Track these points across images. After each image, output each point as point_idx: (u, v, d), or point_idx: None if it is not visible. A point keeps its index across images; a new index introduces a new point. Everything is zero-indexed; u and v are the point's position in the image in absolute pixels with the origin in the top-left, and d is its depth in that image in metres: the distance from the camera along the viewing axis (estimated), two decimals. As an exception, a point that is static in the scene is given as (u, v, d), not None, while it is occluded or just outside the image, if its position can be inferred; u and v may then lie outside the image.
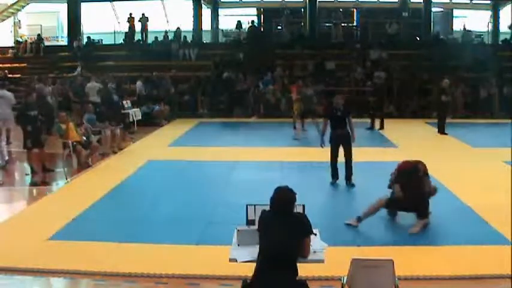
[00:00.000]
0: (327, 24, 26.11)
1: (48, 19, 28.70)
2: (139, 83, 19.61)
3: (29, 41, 24.97)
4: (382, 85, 17.38)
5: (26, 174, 10.82)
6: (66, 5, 25.30)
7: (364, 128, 16.24)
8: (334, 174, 9.62)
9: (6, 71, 21.39)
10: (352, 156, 9.44)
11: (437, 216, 7.69)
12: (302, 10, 26.76)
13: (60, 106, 17.04)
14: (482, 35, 25.60)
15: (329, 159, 9.63)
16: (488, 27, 26.39)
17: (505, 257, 5.96)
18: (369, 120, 16.63)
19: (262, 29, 27.21)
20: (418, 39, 25.35)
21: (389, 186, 7.52)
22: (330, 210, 7.88)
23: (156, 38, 24.59)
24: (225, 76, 20.84)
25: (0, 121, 12.93)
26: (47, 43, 25.46)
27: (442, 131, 15.20)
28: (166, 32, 25.26)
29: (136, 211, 8.22)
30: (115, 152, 12.84)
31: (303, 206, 4.79)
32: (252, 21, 25.90)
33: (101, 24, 27.85)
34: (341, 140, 9.40)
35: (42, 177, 10.42)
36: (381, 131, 16.02)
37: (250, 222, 4.90)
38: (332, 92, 20.42)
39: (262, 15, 28.84)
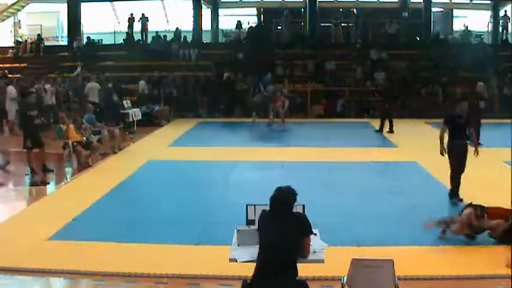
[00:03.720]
0: (327, 24, 26.12)
1: (48, 19, 28.69)
2: (142, 82, 19.61)
3: (29, 41, 24.96)
4: (387, 87, 17.16)
5: (26, 174, 10.82)
6: (66, 5, 25.32)
7: (365, 128, 16.28)
8: (458, 192, 8.51)
9: (6, 71, 21.37)
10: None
11: (437, 216, 7.70)
12: (302, 10, 26.75)
13: (60, 106, 17.12)
14: (482, 35, 25.61)
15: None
16: (488, 27, 26.40)
17: (505, 257, 5.97)
18: (368, 120, 16.60)
19: (262, 29, 27.19)
20: (418, 39, 25.35)
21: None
22: (330, 210, 7.87)
23: (156, 37, 24.59)
24: (225, 76, 20.83)
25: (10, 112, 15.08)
26: (47, 43, 25.46)
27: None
28: (158, 32, 25.21)
29: (136, 211, 8.22)
30: (115, 152, 12.84)
31: (303, 206, 4.79)
32: (252, 22, 25.91)
33: (101, 24, 27.85)
34: (464, 151, 8.45)
35: (42, 177, 10.43)
36: (389, 133, 15.52)
37: (250, 222, 4.90)
38: (332, 92, 20.71)
39: (262, 15, 28.83)
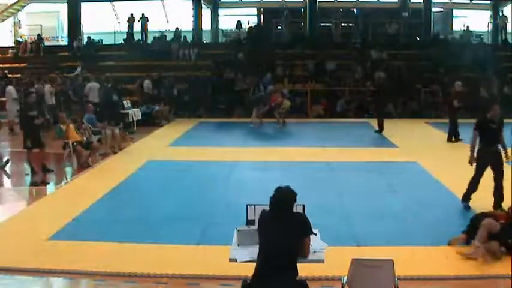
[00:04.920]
0: (327, 24, 26.12)
1: (48, 19, 28.70)
2: (147, 82, 19.52)
3: (29, 41, 24.98)
4: (382, 86, 17.19)
5: (26, 174, 10.83)
6: (66, 5, 25.33)
7: (364, 127, 16.32)
8: (469, 197, 8.09)
9: (6, 71, 21.39)
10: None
11: (438, 216, 7.71)
12: (302, 10, 26.76)
13: (60, 106, 17.15)
14: (482, 35, 25.61)
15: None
16: (488, 27, 26.41)
17: (505, 257, 5.97)
18: (368, 120, 16.60)
19: (262, 29, 27.19)
20: (418, 39, 25.35)
21: None
22: (330, 210, 7.87)
23: (156, 38, 24.60)
24: (225, 76, 20.82)
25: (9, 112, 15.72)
26: (47, 43, 25.47)
27: (456, 137, 13.87)
28: (162, 32, 25.22)
29: (136, 211, 8.22)
30: (115, 152, 12.83)
31: (303, 206, 4.79)
32: (252, 22, 25.90)
33: (101, 24, 27.85)
34: (492, 158, 7.88)
35: (42, 177, 10.42)
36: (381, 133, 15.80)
37: (250, 222, 4.91)
38: (332, 92, 20.71)
39: (262, 15, 28.84)
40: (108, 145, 12.89)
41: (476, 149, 7.98)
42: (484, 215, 6.79)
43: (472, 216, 7.07)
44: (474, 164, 8.03)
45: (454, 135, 13.99)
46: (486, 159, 7.90)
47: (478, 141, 7.96)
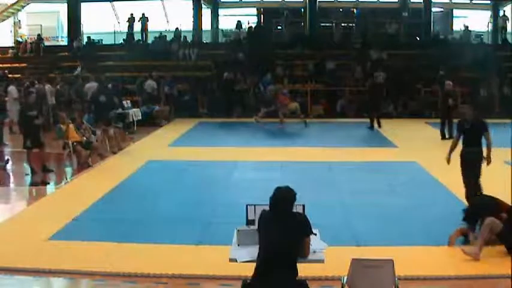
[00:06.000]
0: (327, 24, 26.11)
1: (48, 19, 28.71)
2: (150, 82, 19.44)
3: (29, 41, 24.98)
4: (380, 84, 17.24)
5: (26, 174, 10.83)
6: (66, 5, 25.33)
7: (365, 127, 16.37)
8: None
9: (6, 71, 21.39)
10: (477, 184, 7.72)
11: (437, 216, 7.71)
12: (302, 10, 26.77)
13: (60, 106, 17.13)
14: (482, 35, 25.61)
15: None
16: (488, 27, 26.41)
17: (505, 257, 5.97)
18: (368, 121, 16.65)
19: (262, 29, 27.18)
20: (418, 39, 25.36)
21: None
22: (330, 210, 7.88)
23: (156, 38, 24.60)
24: (225, 76, 20.83)
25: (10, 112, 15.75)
26: (47, 43, 25.48)
27: (448, 135, 13.95)
28: (161, 32, 25.23)
29: (136, 211, 8.22)
30: (115, 152, 12.82)
31: (303, 206, 4.79)
32: (252, 22, 25.90)
33: (101, 24, 27.87)
34: (468, 158, 7.80)
35: (42, 177, 10.42)
36: (379, 129, 16.04)
37: (250, 222, 4.91)
38: (332, 92, 20.71)
39: (262, 15, 28.84)
40: (103, 146, 12.80)
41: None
42: (483, 197, 6.79)
43: (471, 201, 7.10)
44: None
45: (449, 134, 14.04)
46: (463, 159, 7.88)
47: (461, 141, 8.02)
